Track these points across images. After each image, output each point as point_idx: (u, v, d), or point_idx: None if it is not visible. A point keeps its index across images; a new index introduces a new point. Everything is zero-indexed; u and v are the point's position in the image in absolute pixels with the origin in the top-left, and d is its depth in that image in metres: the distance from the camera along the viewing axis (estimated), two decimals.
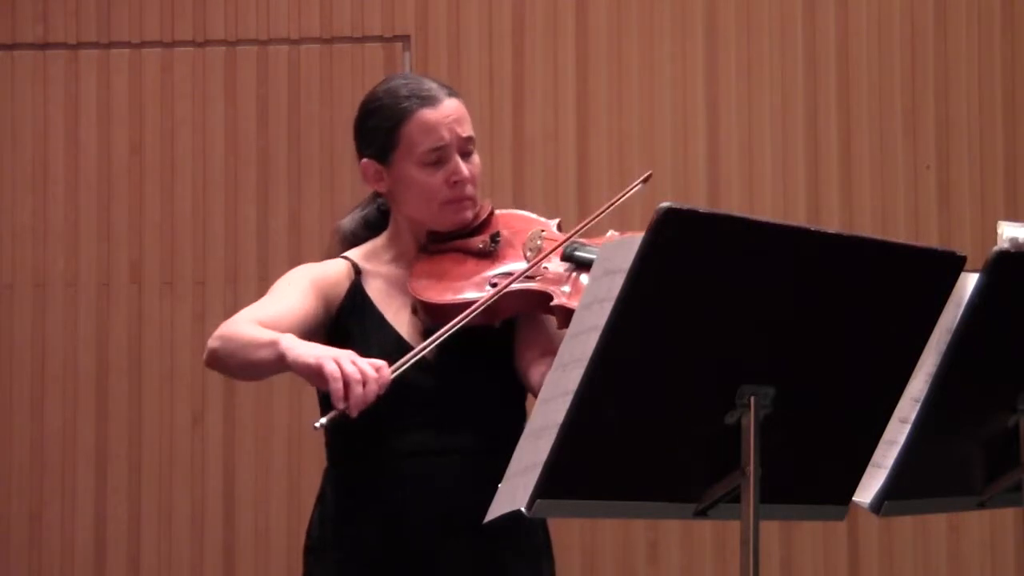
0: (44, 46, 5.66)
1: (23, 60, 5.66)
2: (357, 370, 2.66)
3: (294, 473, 5.45)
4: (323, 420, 2.71)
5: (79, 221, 5.59)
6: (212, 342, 2.89)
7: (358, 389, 2.65)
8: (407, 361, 2.76)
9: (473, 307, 2.81)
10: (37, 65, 5.65)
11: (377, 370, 2.69)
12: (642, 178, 2.92)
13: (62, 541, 5.51)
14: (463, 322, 2.80)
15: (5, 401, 5.55)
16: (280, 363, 2.77)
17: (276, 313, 2.91)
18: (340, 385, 2.65)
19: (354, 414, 2.66)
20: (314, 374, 2.70)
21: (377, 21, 5.60)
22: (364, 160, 3.03)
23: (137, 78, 5.63)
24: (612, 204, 2.89)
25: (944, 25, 5.49)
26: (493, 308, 2.86)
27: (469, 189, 2.99)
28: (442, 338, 2.79)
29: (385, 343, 2.94)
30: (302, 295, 2.96)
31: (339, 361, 2.67)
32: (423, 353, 2.79)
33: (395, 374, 2.72)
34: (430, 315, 2.92)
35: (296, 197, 5.55)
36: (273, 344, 2.78)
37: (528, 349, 2.94)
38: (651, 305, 2.15)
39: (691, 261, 2.16)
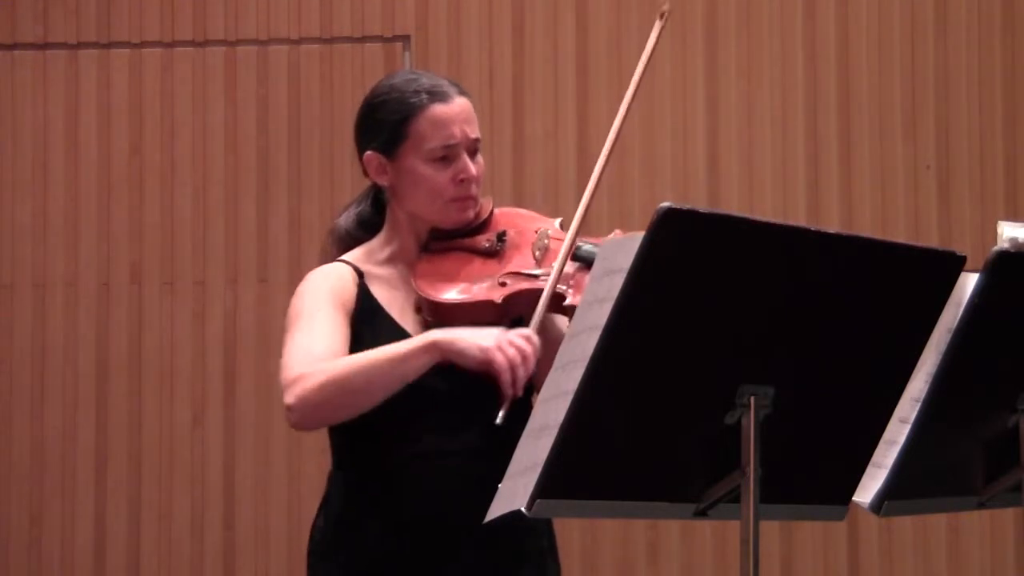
0: (44, 46, 5.66)
1: (23, 60, 5.66)
2: (517, 353, 2.76)
3: (294, 473, 5.45)
4: (502, 414, 2.76)
5: (79, 221, 5.59)
6: (312, 394, 2.80)
7: (521, 372, 2.76)
8: (539, 318, 2.82)
9: (551, 282, 2.84)
10: (37, 65, 5.65)
11: (528, 340, 2.78)
12: (660, 15, 2.95)
13: (62, 541, 5.51)
14: (540, 315, 2.84)
15: (5, 401, 5.55)
16: (433, 363, 2.81)
17: (331, 348, 2.88)
18: (509, 376, 2.75)
19: (521, 393, 2.76)
20: (481, 365, 2.77)
21: (377, 21, 5.60)
22: (368, 152, 3.01)
23: (137, 78, 5.63)
24: (639, 75, 2.90)
25: (944, 25, 5.49)
26: (502, 308, 2.86)
27: (474, 188, 2.99)
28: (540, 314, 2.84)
29: None
30: (335, 318, 2.93)
31: (503, 350, 2.75)
32: (541, 314, 2.83)
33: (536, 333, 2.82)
34: (436, 315, 2.91)
35: (296, 197, 5.56)
36: (426, 349, 2.80)
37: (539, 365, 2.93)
38: (651, 305, 2.15)
39: (691, 261, 2.16)
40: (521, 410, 2.92)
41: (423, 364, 2.81)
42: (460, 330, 2.83)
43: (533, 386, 2.87)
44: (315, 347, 2.87)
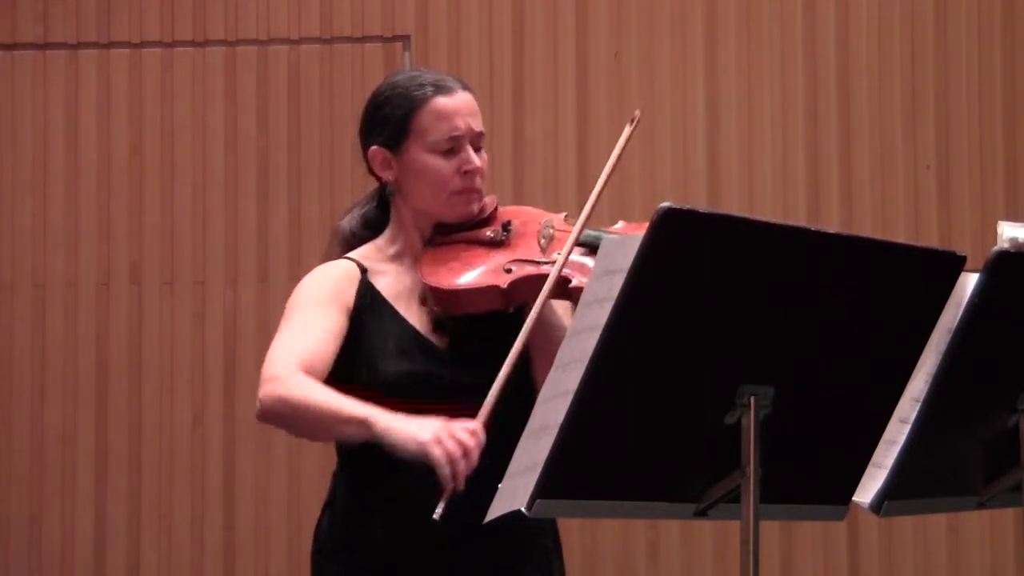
0: (44, 46, 5.66)
1: (23, 60, 5.66)
2: (458, 446, 2.67)
3: (294, 473, 5.45)
4: (439, 510, 2.68)
5: (79, 221, 5.59)
6: (272, 403, 2.83)
7: (461, 465, 2.67)
8: (491, 407, 2.74)
9: (551, 274, 2.80)
10: (37, 65, 5.65)
11: (472, 434, 2.69)
12: (631, 120, 2.96)
13: (62, 541, 5.51)
14: (544, 297, 2.80)
15: (5, 401, 5.55)
16: (369, 440, 2.77)
17: (316, 347, 2.88)
18: (448, 471, 2.67)
19: (462, 487, 2.68)
20: (418, 457, 2.70)
21: (377, 21, 5.60)
22: (373, 148, 3.02)
23: (137, 78, 5.63)
24: (613, 162, 2.91)
25: (944, 25, 5.49)
26: (508, 293, 2.86)
27: (478, 181, 2.99)
28: (528, 327, 2.78)
29: (402, 338, 2.95)
30: (328, 316, 2.93)
31: (442, 442, 2.67)
32: (506, 379, 2.76)
33: (486, 423, 2.73)
34: (442, 303, 2.91)
35: (296, 197, 5.56)
36: (363, 423, 2.76)
37: (539, 355, 2.92)
38: (651, 305, 2.15)
39: (691, 261, 2.16)
40: (521, 410, 2.92)
41: (352, 434, 2.80)
42: (400, 418, 2.76)
43: (533, 386, 2.87)
44: (299, 345, 2.88)
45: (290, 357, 2.86)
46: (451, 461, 2.67)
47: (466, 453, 2.67)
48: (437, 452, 2.67)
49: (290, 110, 5.59)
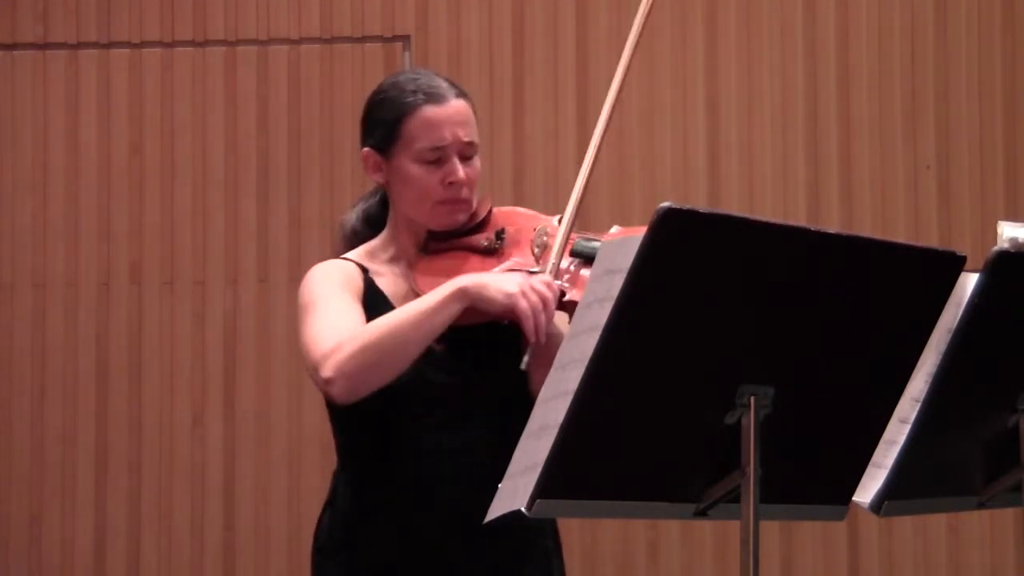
0: (44, 46, 5.66)
1: (23, 60, 5.66)
2: (539, 299, 2.76)
3: (294, 473, 5.45)
4: (526, 359, 2.77)
5: (79, 221, 5.59)
6: (346, 365, 2.78)
7: (542, 319, 2.76)
8: (558, 261, 2.85)
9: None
10: (37, 65, 5.65)
11: (548, 286, 2.78)
12: None
13: (62, 541, 5.51)
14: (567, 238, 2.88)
15: (5, 401, 5.55)
16: (460, 310, 2.80)
17: (351, 326, 2.86)
18: (532, 323, 2.76)
19: (544, 339, 2.76)
20: (506, 311, 2.78)
21: (377, 21, 5.60)
22: (365, 149, 3.02)
23: (137, 78, 5.63)
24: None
25: (944, 25, 5.49)
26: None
27: (464, 192, 2.97)
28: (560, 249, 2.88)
29: None
30: (351, 301, 2.93)
31: (527, 296, 2.76)
32: (562, 251, 2.86)
33: (554, 277, 2.83)
34: None
35: (296, 197, 5.56)
36: (456, 297, 2.79)
37: (536, 364, 2.92)
38: (651, 305, 2.15)
39: (691, 261, 2.16)
40: (521, 409, 2.92)
41: (453, 312, 2.79)
42: (485, 275, 2.84)
43: (531, 396, 2.87)
44: (339, 323, 2.86)
45: (334, 333, 2.84)
46: (535, 313, 2.75)
47: (546, 305, 2.77)
48: (523, 305, 2.76)
49: (290, 110, 5.59)
